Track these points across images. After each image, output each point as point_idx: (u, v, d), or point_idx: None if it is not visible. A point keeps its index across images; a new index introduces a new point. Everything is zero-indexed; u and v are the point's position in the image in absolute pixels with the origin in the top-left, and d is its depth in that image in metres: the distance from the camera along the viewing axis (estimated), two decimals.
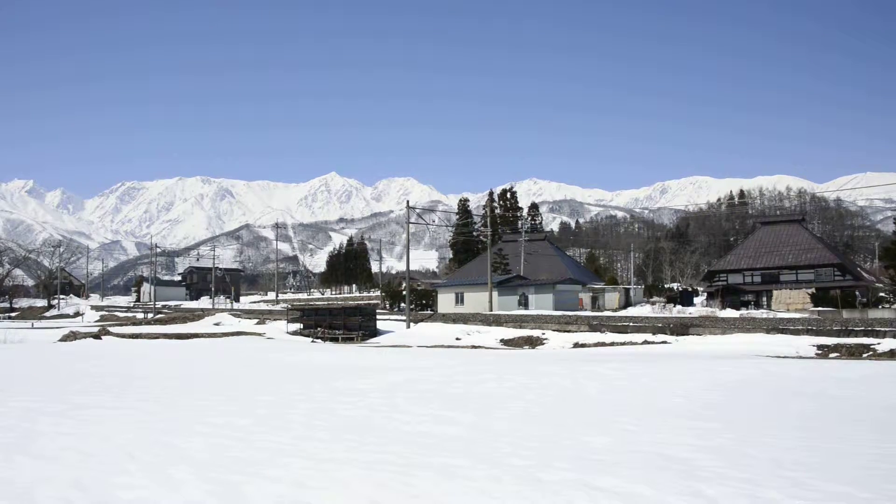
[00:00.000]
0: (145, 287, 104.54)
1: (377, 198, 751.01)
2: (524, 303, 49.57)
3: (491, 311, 48.11)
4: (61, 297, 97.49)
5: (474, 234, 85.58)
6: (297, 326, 48.34)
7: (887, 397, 13.12)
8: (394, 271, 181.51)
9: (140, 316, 73.67)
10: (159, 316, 70.76)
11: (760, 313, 42.61)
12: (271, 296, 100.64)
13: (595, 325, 39.03)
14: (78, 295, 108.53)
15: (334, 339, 43.64)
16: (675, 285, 71.73)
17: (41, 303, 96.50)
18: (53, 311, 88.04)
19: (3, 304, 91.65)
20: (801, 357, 26.01)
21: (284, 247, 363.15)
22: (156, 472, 7.18)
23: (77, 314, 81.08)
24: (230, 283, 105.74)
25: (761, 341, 30.89)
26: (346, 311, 47.55)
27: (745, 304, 51.31)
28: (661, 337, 34.86)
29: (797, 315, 38.99)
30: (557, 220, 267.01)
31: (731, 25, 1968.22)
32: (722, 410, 11.54)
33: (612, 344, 34.19)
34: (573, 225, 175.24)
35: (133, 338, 42.94)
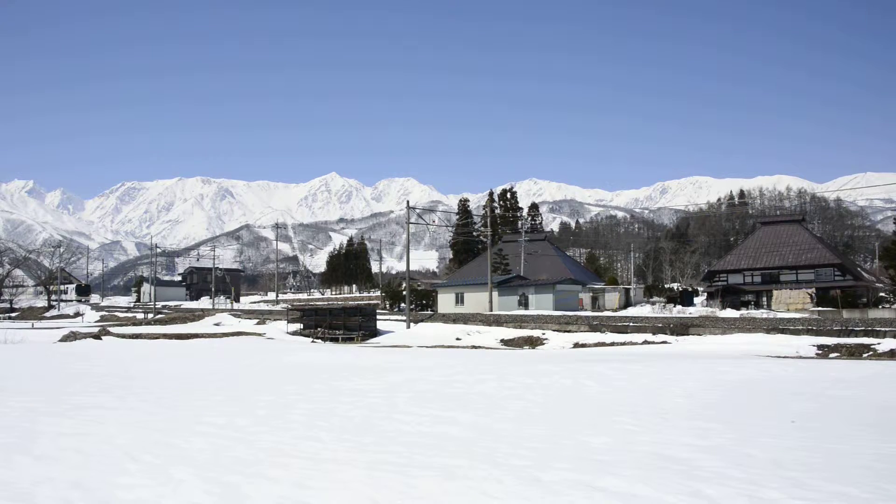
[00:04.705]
0: (145, 287, 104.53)
1: (377, 198, 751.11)
2: (524, 303, 49.55)
3: (491, 311, 48.10)
4: (61, 297, 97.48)
5: (474, 234, 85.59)
6: (297, 327, 48.32)
7: (887, 397, 13.10)
8: (394, 271, 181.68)
9: (140, 316, 73.62)
10: (159, 316, 70.72)
11: (760, 313, 42.59)
12: (271, 296, 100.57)
13: (595, 326, 39.01)
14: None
15: (334, 340, 43.63)
16: (675, 285, 71.67)
17: (41, 303, 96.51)
18: (53, 312, 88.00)
19: (3, 305, 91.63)
20: (801, 357, 25.99)
21: (284, 247, 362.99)
22: (156, 472, 7.18)
23: (77, 314, 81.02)
24: (230, 284, 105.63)
25: (761, 341, 30.87)
26: (346, 311, 47.52)
27: (745, 304, 51.29)
28: (661, 337, 34.84)
29: (797, 315, 38.99)
30: (557, 220, 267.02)
31: (732, 24, 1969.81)
32: (722, 410, 11.53)
33: (612, 344, 34.18)
34: (573, 225, 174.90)
35: (133, 338, 42.89)
